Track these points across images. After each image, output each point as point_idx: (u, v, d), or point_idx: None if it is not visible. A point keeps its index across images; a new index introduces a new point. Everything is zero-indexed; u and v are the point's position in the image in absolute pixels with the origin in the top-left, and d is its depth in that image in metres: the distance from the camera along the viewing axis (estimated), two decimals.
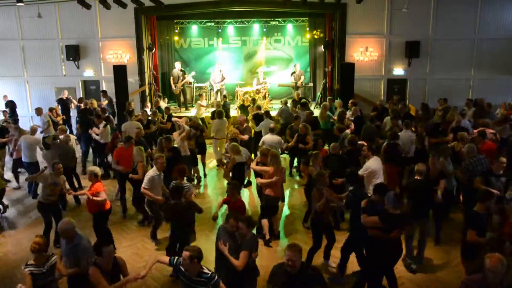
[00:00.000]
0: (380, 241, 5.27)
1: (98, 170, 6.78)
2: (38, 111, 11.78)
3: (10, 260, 6.72)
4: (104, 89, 14.83)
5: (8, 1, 14.23)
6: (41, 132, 10.07)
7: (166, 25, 16.51)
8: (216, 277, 4.23)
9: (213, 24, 16.63)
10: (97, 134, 10.27)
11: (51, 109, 12.60)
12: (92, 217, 6.82)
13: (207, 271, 4.21)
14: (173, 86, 14.96)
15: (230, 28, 16.73)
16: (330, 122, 11.30)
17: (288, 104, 12.51)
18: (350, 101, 12.02)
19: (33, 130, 9.60)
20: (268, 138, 9.29)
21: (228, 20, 16.45)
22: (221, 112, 10.93)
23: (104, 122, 10.44)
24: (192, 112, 14.32)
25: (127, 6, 13.06)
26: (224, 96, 13.96)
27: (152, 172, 6.92)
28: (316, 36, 16.20)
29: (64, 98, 13.69)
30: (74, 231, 4.92)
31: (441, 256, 6.73)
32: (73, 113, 13.95)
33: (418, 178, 6.52)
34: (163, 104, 13.38)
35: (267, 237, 7.23)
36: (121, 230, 7.79)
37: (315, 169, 7.10)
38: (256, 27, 16.68)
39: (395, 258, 5.47)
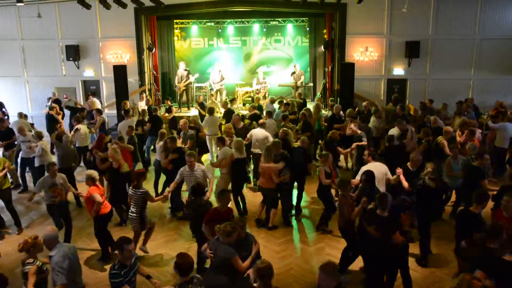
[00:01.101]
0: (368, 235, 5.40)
1: (95, 174, 6.71)
2: (21, 116, 11.62)
3: (9, 261, 6.71)
4: (93, 91, 14.91)
5: (8, 1, 14.24)
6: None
7: (166, 25, 16.51)
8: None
9: (213, 24, 16.64)
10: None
11: (51, 108, 12.63)
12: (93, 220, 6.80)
13: None
14: (176, 85, 14.97)
15: (230, 28, 16.74)
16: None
17: (275, 105, 12.46)
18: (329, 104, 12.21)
19: (21, 130, 9.68)
20: (256, 131, 9.50)
21: (228, 20, 16.46)
22: (212, 108, 11.21)
23: (78, 125, 10.37)
24: (192, 112, 14.34)
25: (127, 6, 13.06)
26: (199, 96, 14.12)
27: (183, 168, 7.24)
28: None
29: (56, 98, 13.76)
30: (54, 241, 4.67)
31: (441, 256, 6.73)
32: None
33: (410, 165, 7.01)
34: (141, 104, 13.40)
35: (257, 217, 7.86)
36: (121, 230, 7.78)
37: (325, 170, 7.29)
38: (256, 27, 16.68)
39: (378, 256, 5.35)
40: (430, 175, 6.31)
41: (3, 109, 13.79)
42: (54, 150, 9.56)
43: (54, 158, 9.00)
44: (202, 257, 5.97)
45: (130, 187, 6.62)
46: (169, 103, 13.93)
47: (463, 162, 7.75)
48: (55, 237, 4.71)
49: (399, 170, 6.65)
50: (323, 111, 12.39)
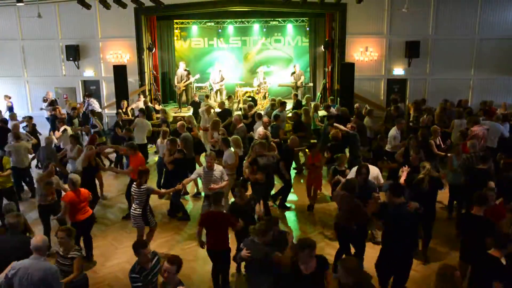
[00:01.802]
0: None
1: (77, 178, 6.62)
2: (12, 117, 11.67)
3: None
4: (87, 92, 14.94)
5: (8, 1, 14.24)
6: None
7: (166, 25, 16.52)
8: None
9: (213, 24, 16.65)
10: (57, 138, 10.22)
11: (54, 109, 12.66)
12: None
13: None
14: (176, 85, 14.97)
15: (230, 28, 16.75)
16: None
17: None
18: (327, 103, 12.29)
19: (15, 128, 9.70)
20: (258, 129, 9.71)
21: (228, 20, 16.47)
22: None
23: (64, 127, 10.35)
24: (191, 113, 14.33)
25: (127, 6, 13.07)
26: (194, 94, 14.37)
27: (201, 168, 7.54)
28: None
29: (53, 99, 13.77)
30: (42, 250, 4.42)
31: (440, 256, 6.71)
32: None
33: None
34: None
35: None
36: (121, 229, 7.78)
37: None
38: (256, 27, 16.69)
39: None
40: (430, 173, 6.29)
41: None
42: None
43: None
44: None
45: (133, 186, 6.61)
46: (157, 106, 13.91)
47: (464, 161, 7.64)
48: (42, 247, 4.42)
49: (405, 168, 6.67)
50: (320, 112, 12.34)
